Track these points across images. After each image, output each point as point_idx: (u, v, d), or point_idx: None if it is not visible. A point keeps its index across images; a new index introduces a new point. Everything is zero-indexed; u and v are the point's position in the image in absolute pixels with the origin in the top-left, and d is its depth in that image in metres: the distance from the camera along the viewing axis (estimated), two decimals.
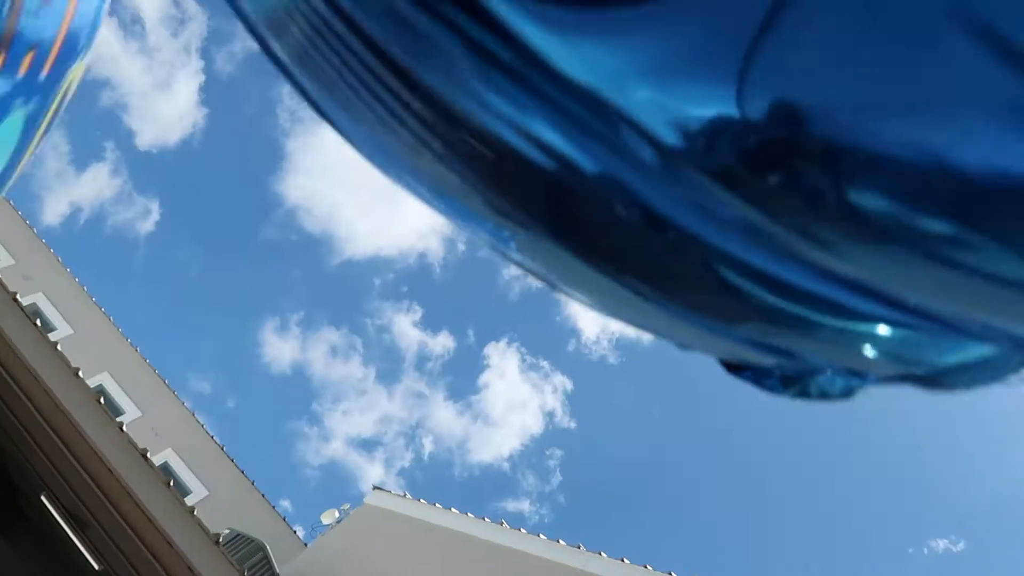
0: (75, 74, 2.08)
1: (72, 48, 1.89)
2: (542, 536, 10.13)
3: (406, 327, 37.30)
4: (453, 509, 10.96)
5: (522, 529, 10.38)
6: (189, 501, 9.23)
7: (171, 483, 6.34)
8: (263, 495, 12.91)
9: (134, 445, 6.35)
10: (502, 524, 10.48)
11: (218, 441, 13.31)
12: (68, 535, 8.72)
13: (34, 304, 13.28)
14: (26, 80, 1.76)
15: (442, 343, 37.23)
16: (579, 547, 9.84)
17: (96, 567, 8.63)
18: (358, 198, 36.63)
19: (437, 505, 11.13)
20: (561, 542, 10.00)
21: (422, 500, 11.32)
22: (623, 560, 9.58)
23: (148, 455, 6.29)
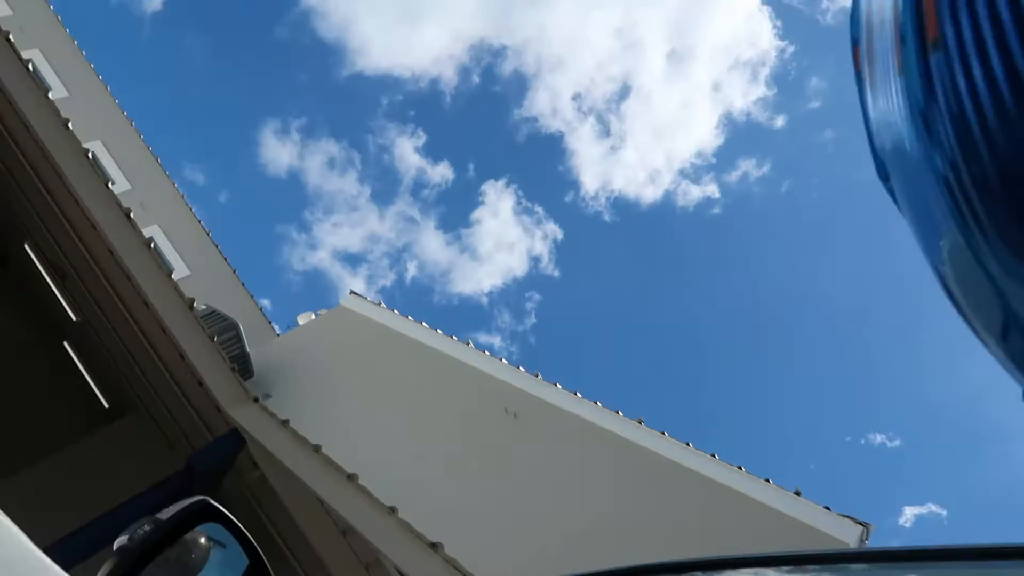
0: None
1: None
2: (504, 361, 10.58)
3: (407, 151, 36.86)
4: (424, 323, 11.35)
5: (486, 352, 10.82)
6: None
7: (152, 245, 6.50)
8: (243, 284, 13.26)
9: (119, 204, 6.45)
10: (468, 344, 10.90)
11: (204, 226, 13.50)
12: (48, 285, 9.01)
13: (30, 59, 12.95)
14: None
15: (441, 173, 36.92)
16: (537, 375, 10.32)
17: (74, 318, 8.98)
18: (377, 12, 35.08)
19: (409, 318, 11.51)
20: (521, 368, 10.46)
21: (395, 311, 11.68)
22: (576, 393, 10.08)
23: (131, 215, 6.40)
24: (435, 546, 5.74)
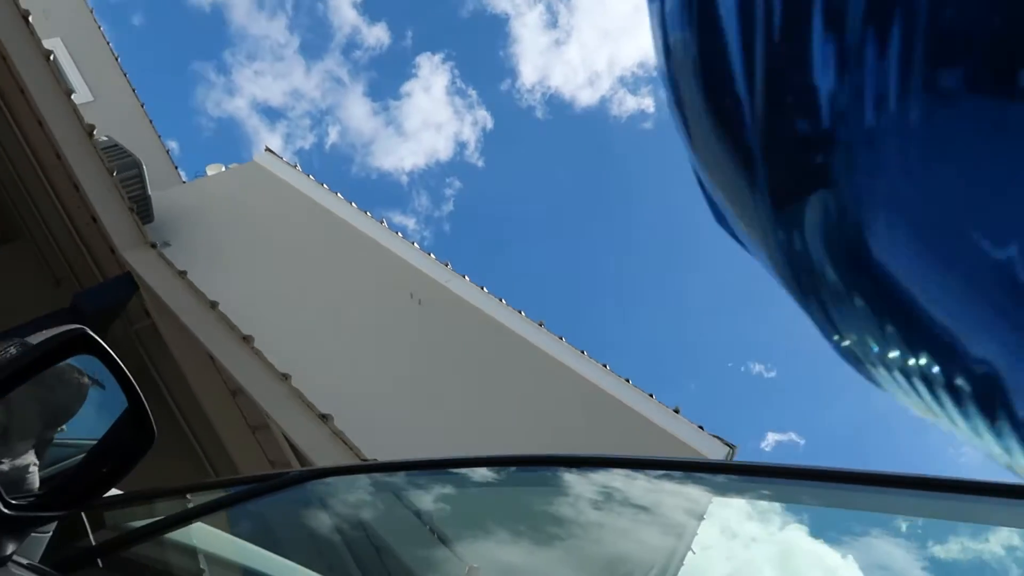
0: None
1: None
2: (415, 245, 10.42)
3: (344, 3, 34.70)
4: (339, 194, 10.98)
5: (399, 233, 10.61)
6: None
7: (51, 58, 5.90)
8: (151, 121, 12.39)
9: (16, 4, 5.78)
10: (382, 223, 10.66)
11: (114, 50, 12.42)
12: None
13: None
14: None
15: (376, 35, 35.05)
16: (447, 264, 10.23)
17: None
18: None
19: (324, 186, 11.10)
20: (432, 256, 10.34)
21: (311, 176, 11.24)
22: (482, 288, 10.08)
23: (29, 19, 5.76)
24: (325, 417, 5.72)
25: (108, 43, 12.14)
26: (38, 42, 5.88)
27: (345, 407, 6.19)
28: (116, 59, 12.18)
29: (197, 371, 6.40)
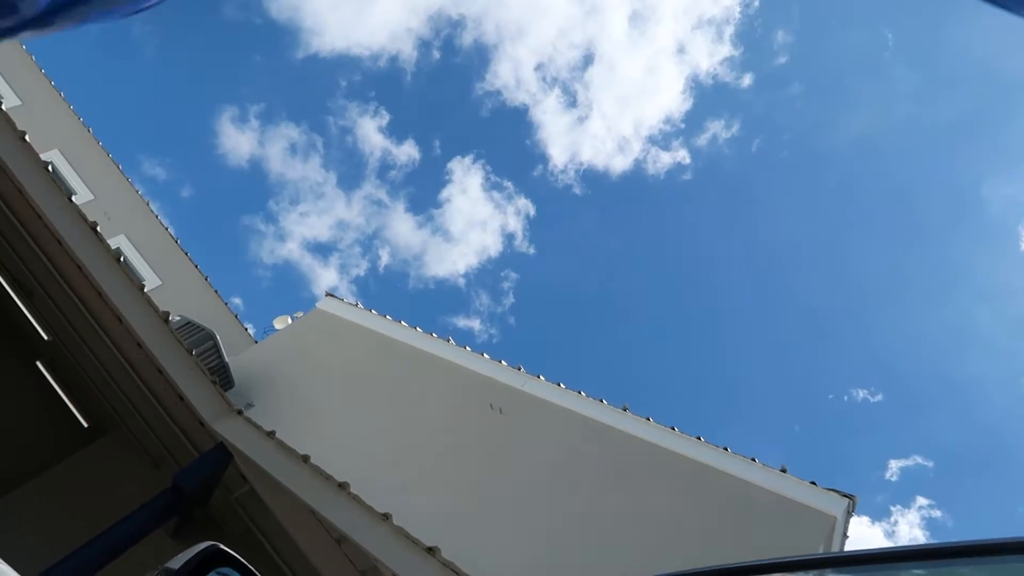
0: None
1: None
2: (485, 355, 10.52)
3: (370, 131, 36.34)
4: (403, 322, 11.24)
5: (467, 347, 10.74)
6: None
7: (121, 259, 6.31)
8: (216, 291, 13.02)
9: (83, 217, 6.25)
10: (448, 340, 10.82)
11: (173, 233, 13.22)
12: (16, 303, 8.75)
13: None
14: None
15: (406, 152, 36.47)
16: (519, 368, 10.27)
17: (45, 337, 8.74)
18: None
19: (387, 317, 11.39)
20: (503, 362, 10.41)
21: (373, 311, 11.55)
22: (559, 384, 10.06)
23: (98, 228, 6.21)
24: (432, 550, 5.68)
25: (167, 228, 12.93)
26: (107, 247, 6.31)
27: (448, 534, 6.15)
28: (176, 241, 12.93)
29: (300, 526, 6.47)
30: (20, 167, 6.47)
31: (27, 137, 6.43)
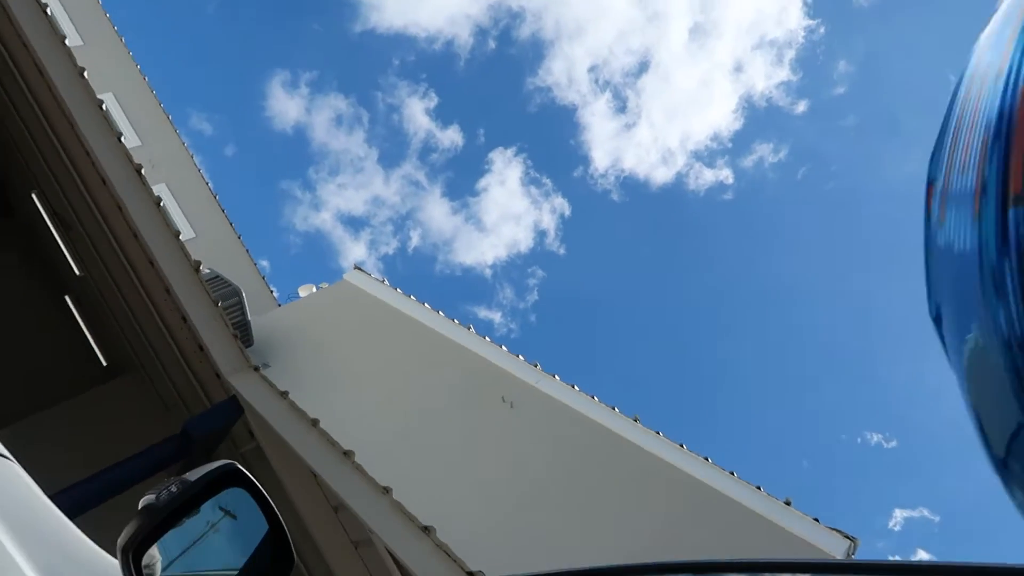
0: None
1: None
2: (504, 348, 10.52)
3: (417, 112, 36.41)
4: (426, 304, 11.28)
5: (487, 337, 10.76)
6: None
7: (160, 205, 6.40)
8: (247, 250, 13.17)
9: (131, 160, 6.35)
10: (469, 328, 10.84)
11: (212, 188, 13.39)
12: (53, 236, 8.91)
13: (47, 3, 12.77)
14: None
15: (450, 137, 36.49)
16: (536, 365, 10.27)
17: (77, 272, 8.90)
18: None
19: (412, 297, 11.43)
20: (520, 357, 10.41)
21: (398, 289, 11.61)
22: (573, 386, 10.04)
23: (142, 171, 6.30)
24: (427, 530, 5.70)
25: (207, 183, 13.09)
26: (149, 191, 6.40)
27: (446, 517, 6.17)
28: (215, 197, 13.09)
29: (300, 489, 6.52)
30: (76, 102, 6.59)
31: (85, 74, 6.54)
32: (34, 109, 7.49)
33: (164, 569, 1.12)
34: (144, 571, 1.03)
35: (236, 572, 1.20)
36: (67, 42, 7.08)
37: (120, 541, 1.03)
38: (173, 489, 1.07)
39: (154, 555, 1.08)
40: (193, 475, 1.11)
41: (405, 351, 10.44)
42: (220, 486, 1.13)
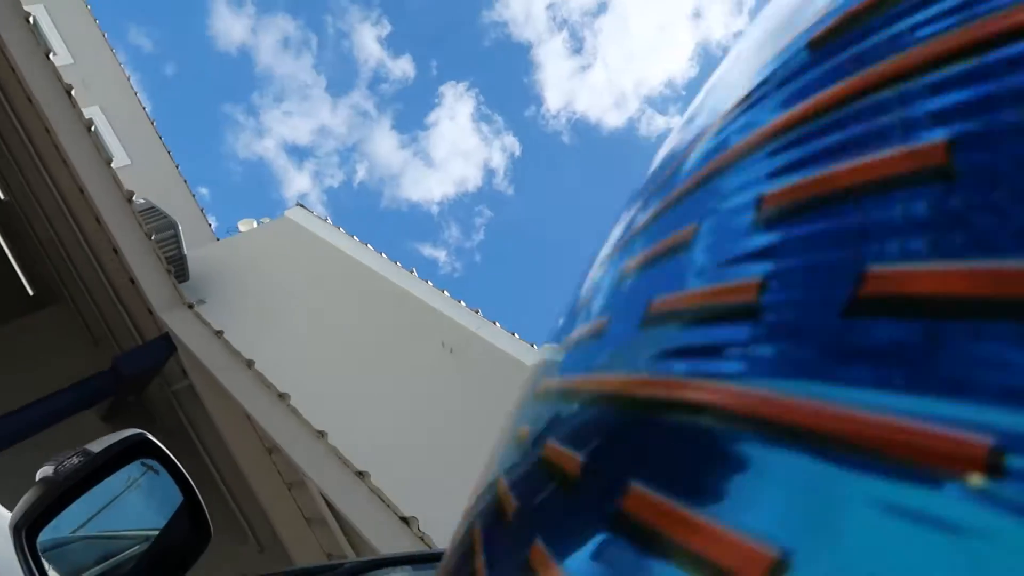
0: None
1: None
2: (446, 293, 10.47)
3: (368, 40, 35.39)
4: (369, 246, 11.11)
5: (429, 281, 10.68)
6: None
7: (92, 128, 6.09)
8: (185, 180, 12.70)
9: (59, 78, 5.99)
10: (412, 272, 10.74)
11: (149, 113, 12.81)
12: None
13: None
14: None
15: (401, 67, 35.63)
16: (477, 311, 10.26)
17: (2, 196, 8.47)
18: None
19: (355, 238, 11.24)
20: (462, 303, 10.38)
21: (341, 228, 11.39)
22: (514, 334, 10.08)
23: (72, 93, 5.96)
24: (361, 474, 5.71)
25: (144, 107, 12.52)
26: (79, 114, 6.08)
27: (381, 463, 6.18)
28: (152, 123, 12.54)
29: (234, 429, 6.44)
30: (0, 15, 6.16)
31: None
32: None
33: (62, 546, 1.06)
34: (39, 548, 0.97)
35: (148, 544, 1.15)
36: None
37: (12, 518, 0.96)
38: (75, 460, 1.00)
39: (54, 532, 1.01)
40: (98, 445, 1.04)
41: (345, 292, 10.30)
42: (129, 458, 1.06)
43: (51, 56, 6.25)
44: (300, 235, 11.40)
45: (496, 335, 10.13)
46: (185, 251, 8.81)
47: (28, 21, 6.10)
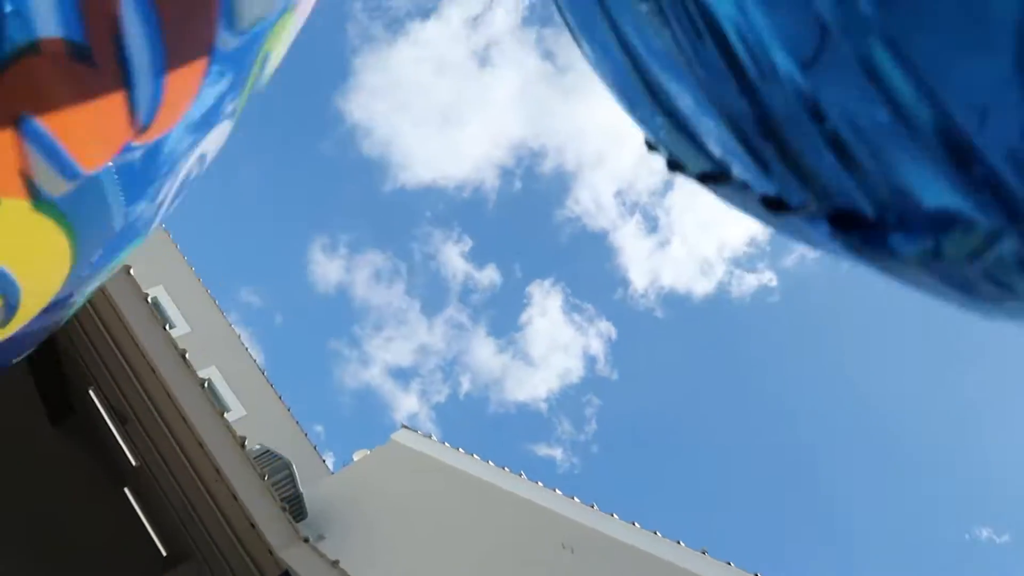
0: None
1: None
2: (558, 491, 10.30)
3: (453, 257, 37.41)
4: (476, 456, 11.20)
5: (539, 482, 10.57)
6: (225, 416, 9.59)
7: (205, 385, 6.65)
8: (297, 421, 13.37)
9: (175, 346, 6.67)
10: (521, 475, 10.68)
11: (260, 364, 13.80)
12: (111, 430, 9.21)
13: None
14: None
15: (488, 276, 37.19)
16: (593, 506, 9.99)
17: (133, 462, 9.11)
18: (418, 125, 36.70)
19: (461, 450, 11.37)
20: (576, 499, 10.16)
21: (446, 444, 11.58)
22: (634, 524, 9.70)
23: (187, 356, 6.60)
24: None
25: (255, 360, 13.51)
26: (194, 375, 6.68)
27: None
28: (263, 373, 13.47)
29: None
30: (125, 300, 7.03)
31: (131, 271, 7.00)
32: (88, 310, 7.97)
33: None
34: None
35: None
36: None
37: None
38: None
39: None
40: None
41: (458, 506, 10.29)
42: None
43: (168, 327, 7.00)
44: (408, 457, 11.63)
45: (616, 527, 9.79)
46: (301, 488, 9.11)
47: (147, 301, 6.92)
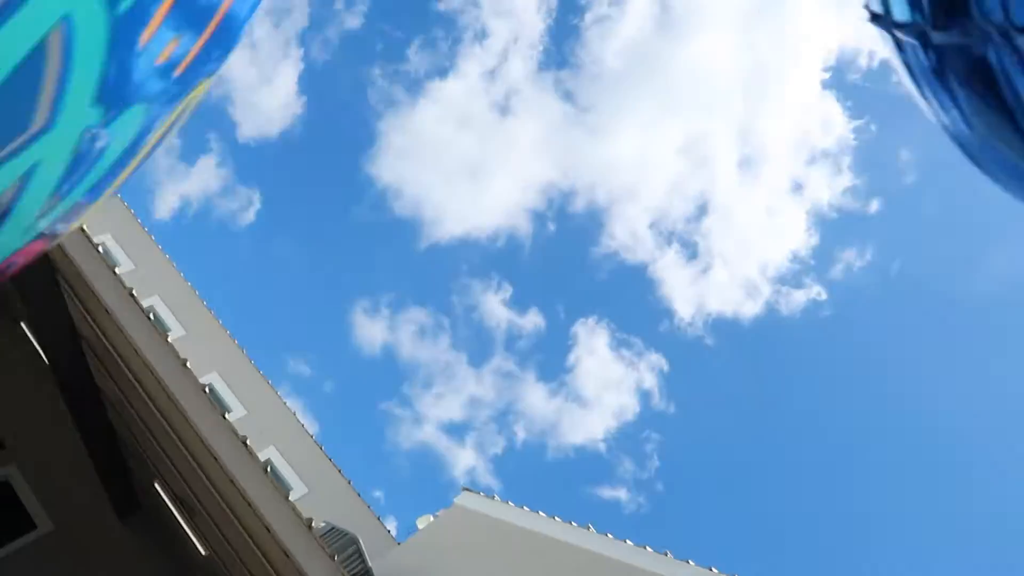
0: (202, 87, 1.92)
1: (207, 57, 1.76)
2: (628, 542, 10.05)
3: (495, 306, 37.43)
4: (540, 512, 11.01)
5: (609, 534, 10.33)
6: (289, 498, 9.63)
7: (268, 469, 6.67)
8: (358, 493, 13.34)
9: (235, 432, 6.72)
10: (588, 528, 10.46)
11: (316, 438, 13.88)
12: (178, 521, 9.28)
13: (151, 306, 14.19)
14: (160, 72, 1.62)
15: (532, 321, 37.06)
16: (666, 554, 9.72)
17: (203, 552, 9.14)
18: (447, 180, 37.20)
19: (524, 508, 11.20)
20: (648, 548, 9.89)
21: (509, 502, 11.42)
22: (711, 569, 9.40)
23: (248, 442, 6.65)
24: None
25: (311, 436, 13.59)
26: (256, 459, 6.71)
27: None
28: (320, 448, 13.53)
29: None
30: (183, 392, 7.14)
31: (188, 364, 7.12)
32: (149, 405, 8.11)
33: None
34: None
35: None
36: (170, 336, 7.80)
37: None
38: None
39: None
40: None
41: (527, 566, 10.09)
42: None
43: (227, 415, 7.08)
44: (472, 520, 11.49)
45: (693, 574, 9.49)
46: (370, 563, 9.04)
47: (205, 391, 7.02)
